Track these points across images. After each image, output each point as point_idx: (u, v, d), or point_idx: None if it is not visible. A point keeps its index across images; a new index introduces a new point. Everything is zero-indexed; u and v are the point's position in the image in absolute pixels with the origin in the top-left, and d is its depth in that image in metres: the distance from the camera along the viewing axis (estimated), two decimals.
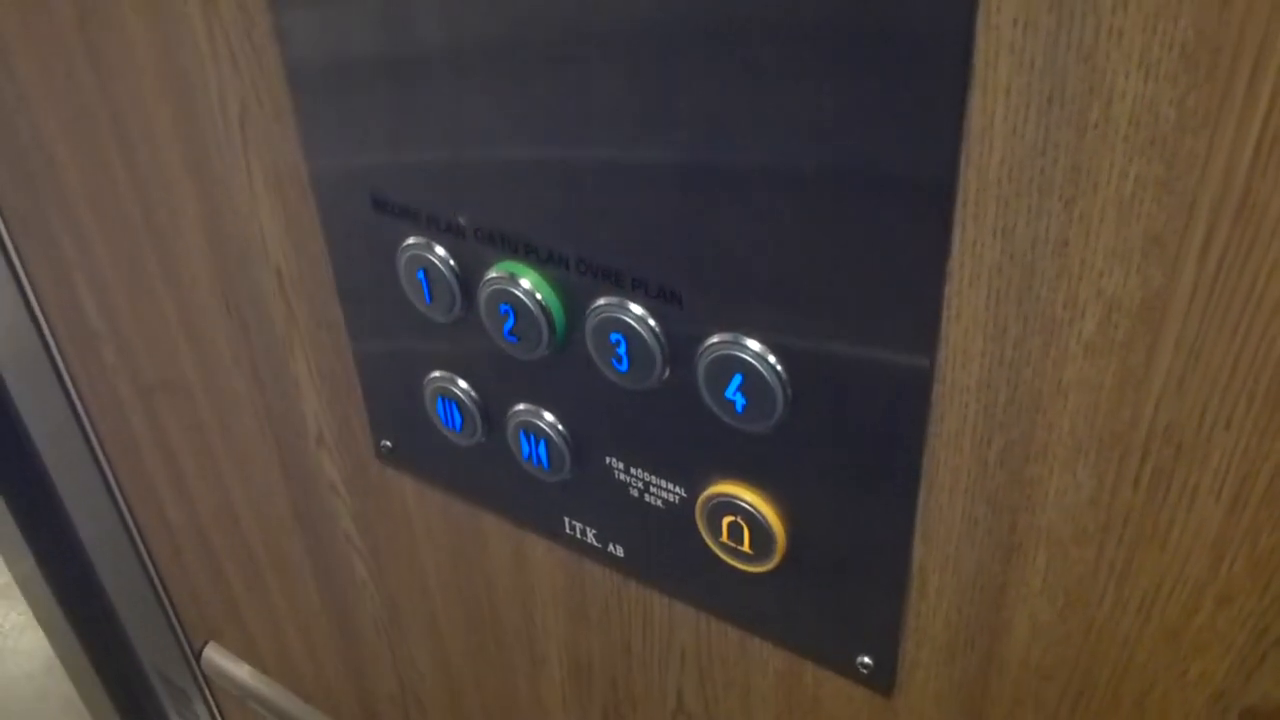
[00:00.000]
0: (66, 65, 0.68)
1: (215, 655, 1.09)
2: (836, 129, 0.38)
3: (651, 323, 0.48)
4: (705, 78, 0.40)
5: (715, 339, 0.47)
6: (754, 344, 0.46)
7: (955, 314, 0.40)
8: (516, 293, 0.52)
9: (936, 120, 0.36)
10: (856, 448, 0.46)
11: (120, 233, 0.75)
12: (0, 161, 0.81)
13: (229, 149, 0.63)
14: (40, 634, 1.37)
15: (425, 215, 0.54)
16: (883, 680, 0.52)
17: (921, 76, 0.36)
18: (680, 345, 0.48)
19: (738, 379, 0.47)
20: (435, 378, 0.61)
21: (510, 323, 0.53)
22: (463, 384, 0.60)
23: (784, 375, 0.45)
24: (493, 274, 0.53)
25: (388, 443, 0.69)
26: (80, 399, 0.96)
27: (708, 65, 0.40)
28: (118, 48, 0.64)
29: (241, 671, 1.08)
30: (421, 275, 0.56)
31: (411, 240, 0.56)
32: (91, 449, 1.01)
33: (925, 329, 0.41)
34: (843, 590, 0.51)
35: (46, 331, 0.93)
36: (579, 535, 0.60)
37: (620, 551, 0.59)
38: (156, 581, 1.10)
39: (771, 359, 0.45)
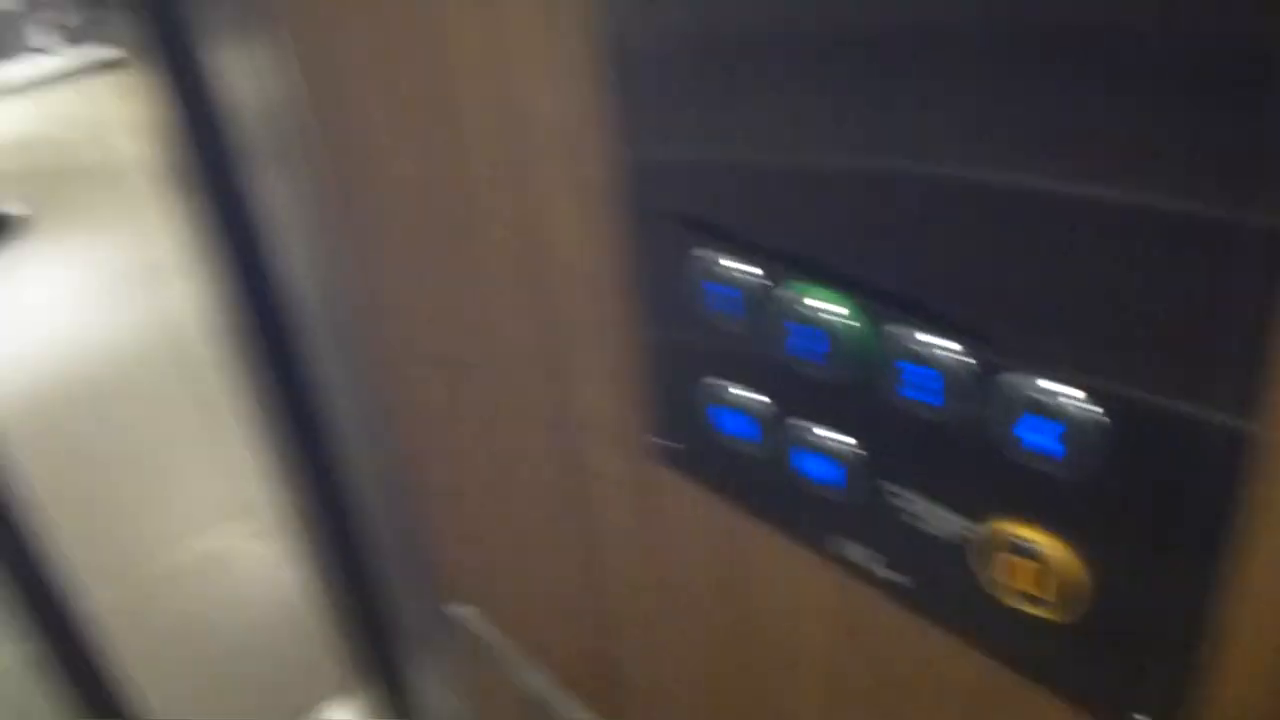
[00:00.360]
0: (392, 43, 0.74)
1: (464, 616, 1.16)
2: (1168, 163, 0.38)
3: (963, 359, 0.49)
4: (1059, 104, 0.40)
5: (1026, 380, 0.47)
6: (1068, 390, 0.45)
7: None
8: (817, 314, 0.53)
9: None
10: (1167, 505, 0.45)
11: (424, 214, 0.81)
12: (324, 139, 0.89)
13: (537, 139, 0.67)
14: (299, 569, 1.48)
15: (728, 225, 0.56)
16: None
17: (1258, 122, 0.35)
18: (987, 384, 0.48)
19: (1043, 423, 0.46)
20: (720, 385, 0.63)
21: (807, 342, 0.54)
22: (749, 394, 0.62)
23: (1097, 421, 0.45)
24: (793, 293, 0.54)
25: (665, 443, 0.71)
26: (369, 364, 1.04)
27: (1064, 92, 0.40)
28: (437, 27, 0.69)
29: (488, 636, 1.14)
30: (717, 287, 0.58)
31: (711, 249, 0.58)
32: (376, 409, 1.09)
33: (1246, 393, 0.39)
34: (1132, 646, 0.50)
35: (345, 302, 1.01)
36: (858, 559, 0.61)
37: (902, 581, 0.59)
38: (419, 537, 1.18)
39: (1084, 406, 0.45)
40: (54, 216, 3.94)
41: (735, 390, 0.62)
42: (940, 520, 0.55)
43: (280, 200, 1.05)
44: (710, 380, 0.63)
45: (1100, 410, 0.45)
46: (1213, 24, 0.35)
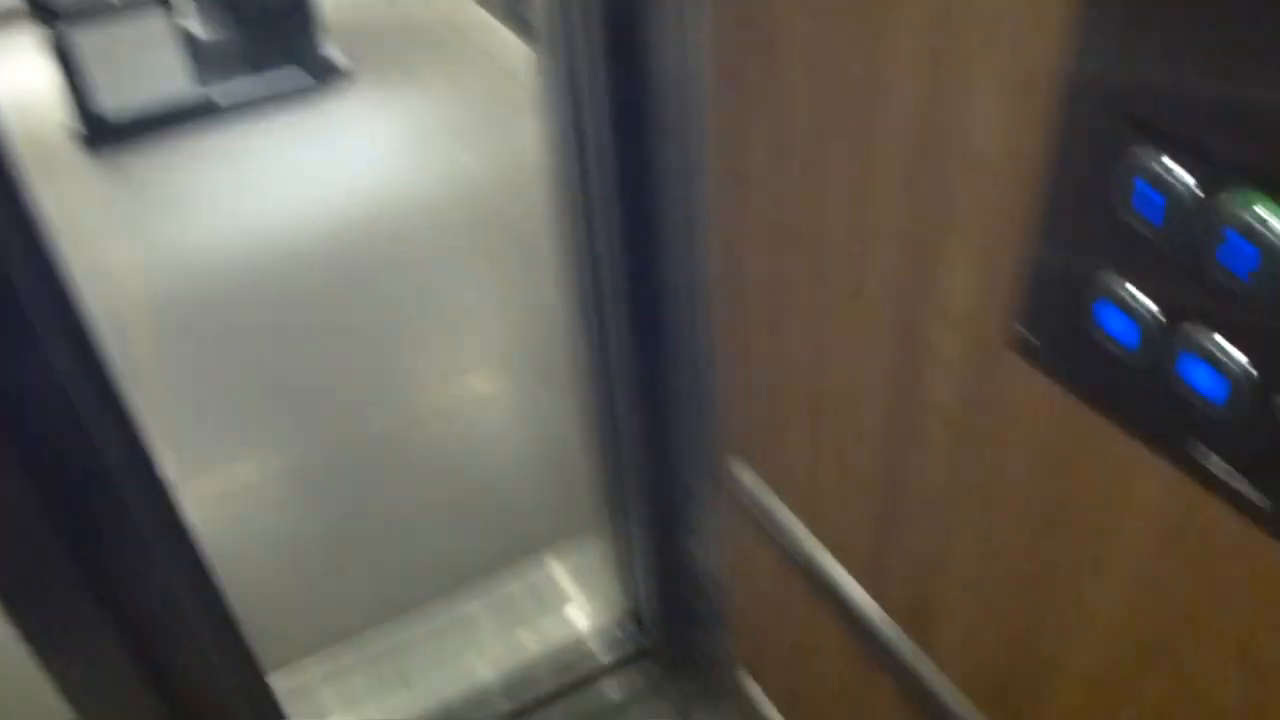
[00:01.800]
0: None
1: (741, 471, 1.23)
2: None
3: None
4: None
5: None
6: None
7: None
8: (1257, 227, 0.55)
9: None
10: None
11: (821, 84, 0.85)
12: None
13: (973, 41, 0.70)
14: (568, 416, 1.58)
15: (1173, 132, 0.58)
16: None
17: None
18: None
19: None
20: (1111, 283, 0.65)
21: (1237, 255, 0.56)
22: (1141, 296, 0.64)
23: None
24: (1235, 203, 0.56)
25: (1028, 334, 0.74)
26: (713, 226, 1.10)
27: None
28: None
29: (760, 489, 1.21)
30: (1149, 191, 0.60)
31: (1147, 150, 0.60)
32: (704, 271, 1.15)
33: None
34: None
35: (705, 159, 1.07)
36: (1218, 471, 0.63)
37: (1262, 501, 0.61)
38: (710, 388, 1.25)
39: None
40: (376, 71, 4.18)
41: (1131, 293, 0.64)
42: None
43: (667, 55, 1.11)
44: (1098, 277, 0.66)
45: None
46: None
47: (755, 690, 1.51)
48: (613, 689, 1.90)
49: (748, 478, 1.24)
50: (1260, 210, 0.55)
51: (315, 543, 2.31)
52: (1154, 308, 0.64)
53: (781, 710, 1.47)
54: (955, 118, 0.74)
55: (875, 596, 1.08)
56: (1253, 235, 0.55)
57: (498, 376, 2.73)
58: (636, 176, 1.19)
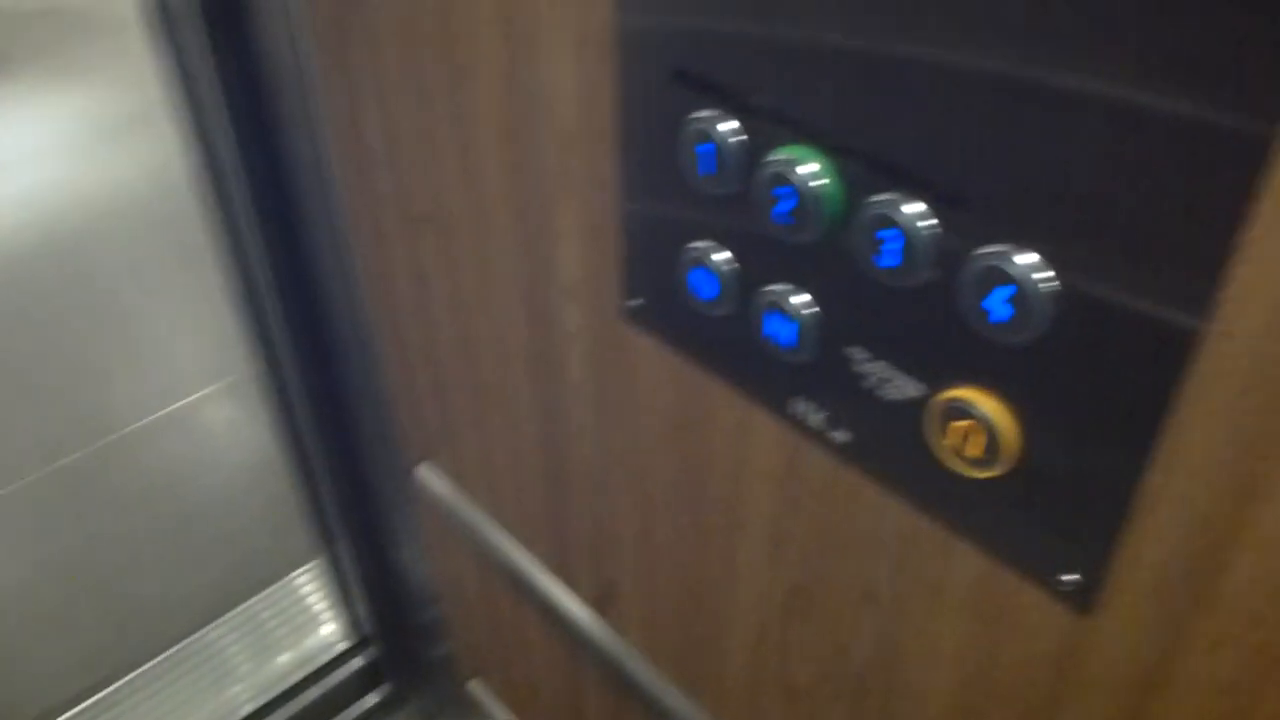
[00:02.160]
0: None
1: (428, 474, 1.19)
2: (1165, 66, 0.39)
3: (930, 221, 0.51)
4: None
5: (990, 248, 0.48)
6: (1029, 257, 0.47)
7: (1246, 261, 0.41)
8: (797, 176, 0.55)
9: (1261, 86, 0.37)
10: (1111, 378, 0.47)
11: (417, 65, 0.81)
12: None
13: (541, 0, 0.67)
14: (267, 430, 1.50)
15: (722, 88, 0.57)
16: (1082, 599, 0.54)
17: (1252, 33, 0.36)
18: (952, 249, 0.50)
19: (1003, 289, 0.48)
20: (696, 246, 0.64)
21: (786, 205, 0.56)
22: (722, 255, 0.63)
23: (1053, 293, 0.47)
24: (777, 155, 0.56)
25: (636, 301, 0.73)
26: (350, 216, 1.05)
27: None
28: None
29: (449, 493, 1.17)
30: (705, 147, 0.59)
31: (703, 112, 0.59)
32: (358, 268, 1.09)
33: (1210, 270, 0.42)
34: (1064, 508, 0.53)
35: (329, 149, 1.01)
36: (807, 417, 0.64)
37: (844, 438, 0.62)
38: (385, 396, 1.20)
39: (1044, 274, 0.47)
40: (33, 59, 3.84)
41: (712, 252, 0.64)
42: (896, 384, 0.57)
43: (275, 45, 1.04)
44: (684, 240, 0.65)
45: (1056, 279, 0.47)
46: None
47: (487, 696, 1.47)
48: (355, 711, 1.82)
49: (436, 482, 1.19)
50: (793, 164, 0.55)
51: (32, 600, 2.12)
52: (733, 266, 0.63)
53: (515, 713, 1.44)
54: (537, 86, 0.71)
55: (568, 584, 1.06)
56: (795, 184, 0.55)
57: (204, 398, 2.57)
58: (269, 174, 1.12)
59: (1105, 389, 0.48)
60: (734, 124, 0.58)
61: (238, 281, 1.27)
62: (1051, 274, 0.47)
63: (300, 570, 1.99)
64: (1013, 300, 0.48)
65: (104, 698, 1.85)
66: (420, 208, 0.93)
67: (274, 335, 1.27)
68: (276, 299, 1.22)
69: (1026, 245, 0.47)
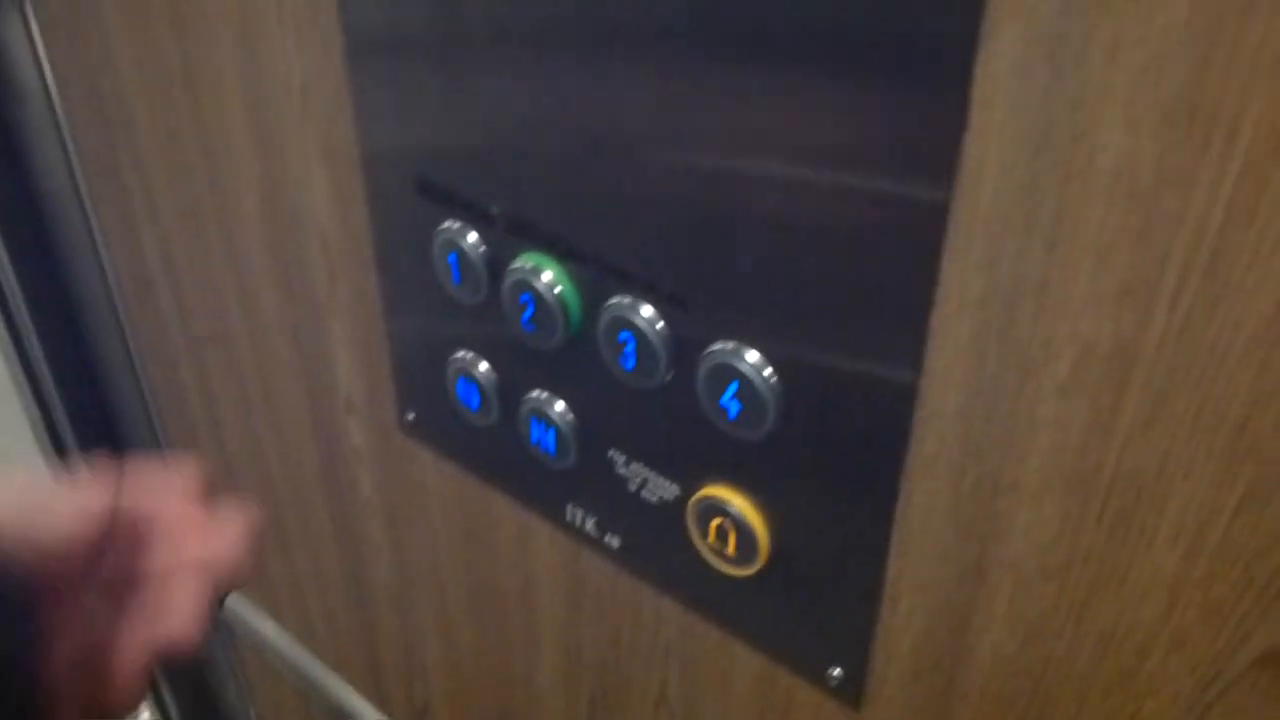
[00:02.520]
0: (149, 25, 0.71)
1: (239, 604, 1.13)
2: (843, 152, 0.40)
3: (659, 325, 0.50)
4: (728, 97, 0.42)
5: (716, 346, 0.48)
6: (752, 354, 0.47)
7: (940, 342, 0.41)
8: (537, 284, 0.54)
9: (934, 154, 0.38)
10: (840, 463, 0.47)
11: (185, 189, 0.79)
12: (83, 111, 0.85)
13: (289, 119, 0.66)
14: None
15: (461, 201, 0.57)
16: (851, 693, 0.54)
17: (922, 113, 0.37)
18: (684, 349, 0.50)
19: (733, 386, 0.48)
20: (459, 357, 0.63)
21: (529, 312, 0.55)
22: (483, 366, 0.62)
23: (777, 386, 0.47)
24: (517, 264, 0.55)
25: (411, 415, 0.71)
26: (134, 339, 1.00)
27: (731, 87, 0.42)
28: (197, 12, 0.67)
29: (261, 624, 1.11)
30: (453, 258, 0.59)
31: (447, 224, 0.58)
32: (141, 389, 1.05)
33: (910, 354, 0.42)
34: (820, 601, 0.52)
35: (110, 273, 0.97)
36: (579, 523, 0.63)
37: (616, 543, 0.61)
38: None
39: (767, 370, 0.47)
40: None
41: (473, 362, 0.62)
42: (656, 486, 0.56)
43: (52, 166, 1.00)
44: (447, 352, 0.64)
45: (775, 373, 0.47)
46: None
47: None
48: None
49: (247, 612, 1.13)
50: (536, 274, 0.54)
51: None
52: (493, 375, 0.62)
53: None
54: (297, 197, 0.70)
55: (383, 710, 1.02)
56: (538, 293, 0.54)
57: None
58: (56, 300, 1.07)
59: (837, 479, 0.48)
60: (474, 233, 0.57)
61: (34, 411, 1.20)
62: (771, 370, 0.47)
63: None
64: (740, 396, 0.48)
65: None
66: (202, 328, 0.89)
67: (71, 460, 1.21)
68: (69, 424, 1.16)
69: (747, 342, 0.47)
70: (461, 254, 0.58)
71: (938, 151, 0.38)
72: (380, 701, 1.01)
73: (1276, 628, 0.38)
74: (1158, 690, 0.42)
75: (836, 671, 0.54)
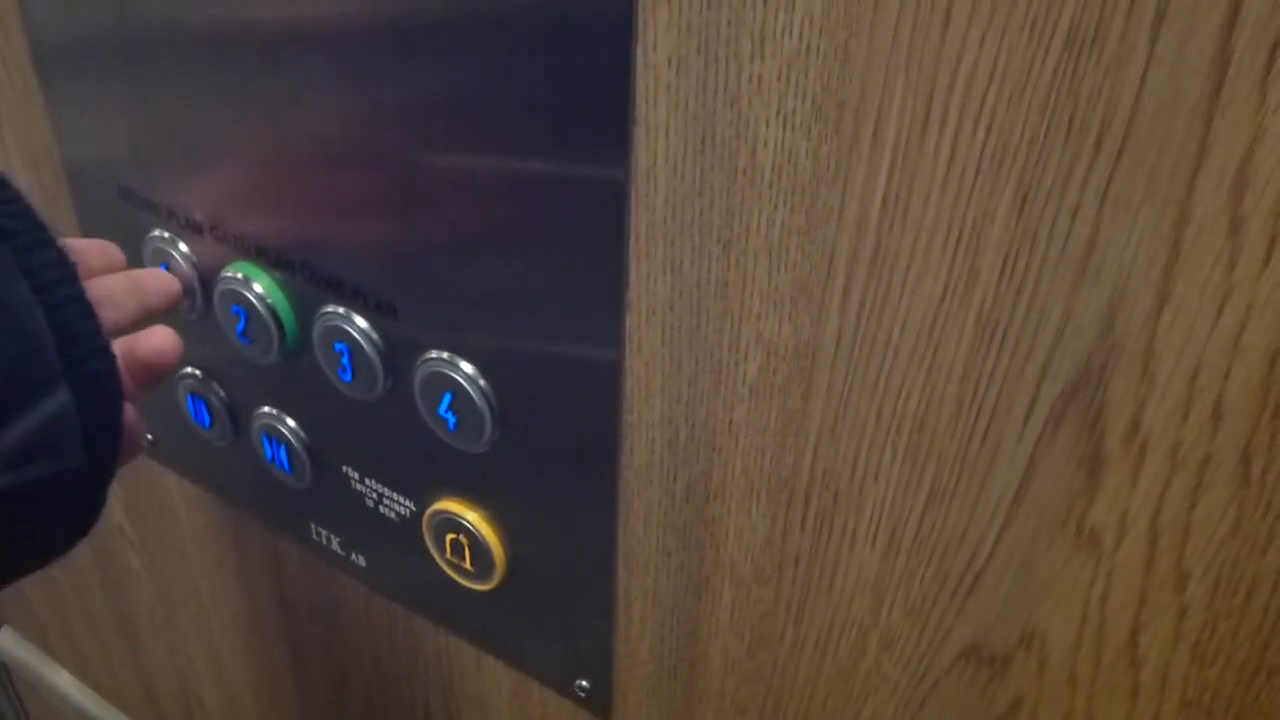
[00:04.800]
0: None
1: (12, 648, 1.05)
2: (523, 156, 0.38)
3: (373, 335, 0.48)
4: (408, 101, 0.40)
5: (430, 355, 0.46)
6: (465, 364, 0.45)
7: (637, 347, 0.40)
8: (248, 295, 0.50)
9: (605, 157, 0.36)
10: (561, 475, 0.45)
11: None
12: None
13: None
14: None
15: (166, 209, 0.53)
16: (600, 703, 0.52)
17: (589, 111, 0.35)
18: (398, 359, 0.47)
19: (448, 397, 0.46)
20: (186, 374, 0.59)
21: (242, 324, 0.52)
22: (211, 383, 0.58)
23: (490, 396, 0.45)
24: (227, 274, 0.51)
25: (149, 436, 0.66)
26: None
27: (409, 89, 0.39)
28: None
29: (38, 664, 1.04)
30: (164, 269, 0.54)
31: (156, 233, 0.54)
32: None
33: (610, 361, 0.40)
34: (559, 613, 0.50)
35: None
36: (325, 542, 0.59)
37: (362, 561, 0.58)
38: None
39: (481, 380, 0.45)
40: None
41: (200, 379, 0.58)
42: (392, 502, 0.54)
43: None
44: (179, 370, 0.59)
45: (489, 383, 0.44)
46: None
47: None
48: None
49: (18, 648, 1.06)
50: (237, 271, 0.50)
51: None
52: (221, 392, 0.58)
53: None
54: None
55: None
56: (241, 297, 0.51)
57: None
58: None
59: (560, 490, 0.46)
60: (183, 243, 0.53)
61: None
62: (484, 380, 0.45)
63: None
64: (455, 408, 0.46)
65: None
66: None
67: None
68: None
69: (459, 352, 0.45)
70: (172, 264, 0.54)
71: (608, 154, 0.36)
72: None
73: (973, 623, 0.37)
74: (875, 689, 0.42)
75: (584, 683, 0.52)
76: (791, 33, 0.30)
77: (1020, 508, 0.34)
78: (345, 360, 0.49)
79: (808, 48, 0.30)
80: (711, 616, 0.45)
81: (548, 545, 0.48)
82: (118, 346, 0.37)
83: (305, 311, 0.50)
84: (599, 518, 0.45)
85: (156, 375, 0.38)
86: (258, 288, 0.50)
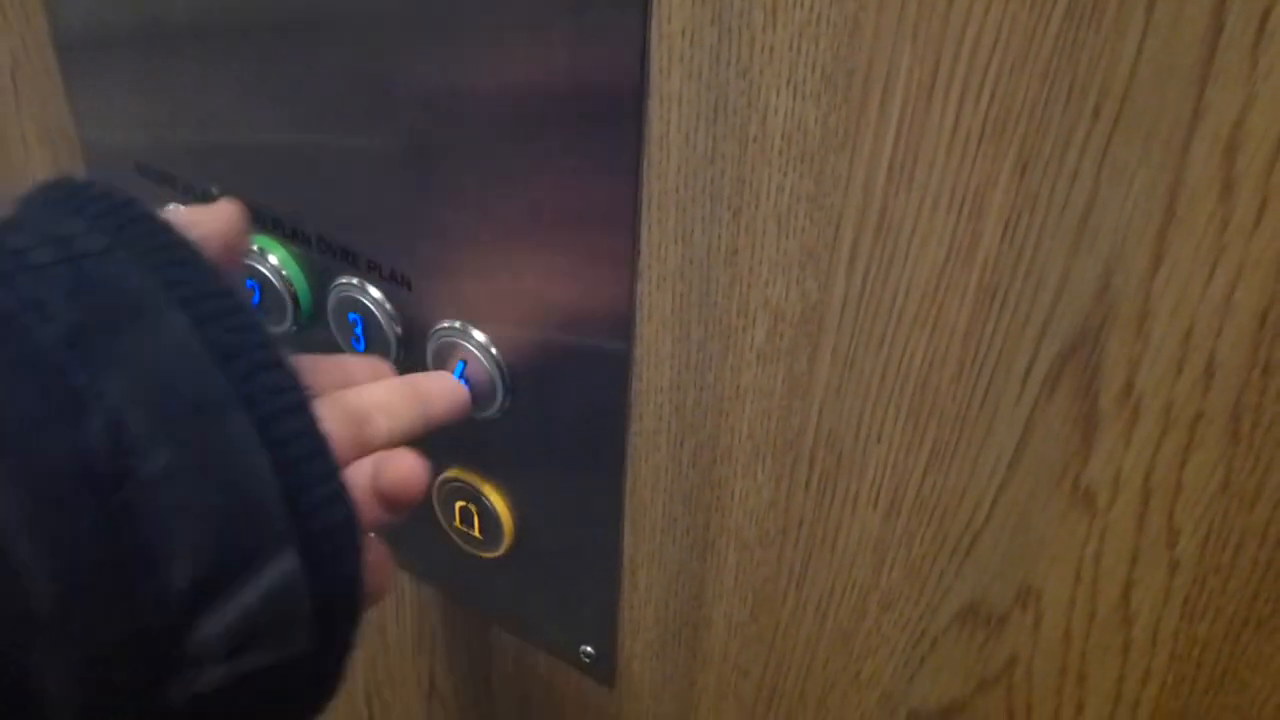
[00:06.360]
0: None
1: None
2: (536, 114, 0.39)
3: (387, 305, 0.49)
4: (420, 74, 0.41)
5: (443, 325, 0.47)
6: (477, 333, 0.46)
7: (647, 314, 0.41)
8: (262, 267, 0.51)
9: (620, 125, 0.37)
10: (569, 440, 0.46)
11: None
12: None
13: (3, 100, 0.61)
14: None
15: (182, 183, 0.54)
16: (604, 670, 0.53)
17: (603, 80, 0.36)
18: (412, 329, 0.48)
19: (461, 365, 0.47)
20: None
21: (257, 296, 0.53)
22: None
23: (502, 364, 0.46)
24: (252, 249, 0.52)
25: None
26: None
27: (425, 67, 0.40)
28: None
29: None
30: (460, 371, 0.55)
31: (172, 207, 0.55)
32: None
33: (621, 327, 0.41)
34: (565, 580, 0.52)
35: None
36: None
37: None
38: None
39: (493, 349, 0.46)
40: None
41: None
42: None
43: None
44: None
45: (500, 351, 0.46)
46: None
47: None
48: None
49: None
50: (254, 244, 0.52)
51: None
52: None
53: None
54: (22, 184, 0.65)
55: None
56: (256, 270, 0.52)
57: None
58: None
59: (568, 456, 0.47)
60: None
61: None
62: (496, 348, 0.46)
63: None
64: (468, 375, 0.47)
65: None
66: None
67: None
68: None
69: (471, 321, 0.46)
70: None
71: (623, 122, 0.37)
72: None
73: (971, 583, 0.39)
74: (874, 650, 0.43)
75: (588, 649, 0.53)
76: (802, 3, 0.32)
77: (1018, 468, 0.36)
78: (359, 330, 0.50)
79: (818, 18, 0.32)
80: (716, 580, 0.46)
81: (556, 512, 0.49)
82: (353, 474, 0.31)
83: (319, 282, 0.51)
84: (607, 483, 0.46)
85: (396, 511, 0.32)
86: (273, 259, 0.51)
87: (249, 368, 0.24)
